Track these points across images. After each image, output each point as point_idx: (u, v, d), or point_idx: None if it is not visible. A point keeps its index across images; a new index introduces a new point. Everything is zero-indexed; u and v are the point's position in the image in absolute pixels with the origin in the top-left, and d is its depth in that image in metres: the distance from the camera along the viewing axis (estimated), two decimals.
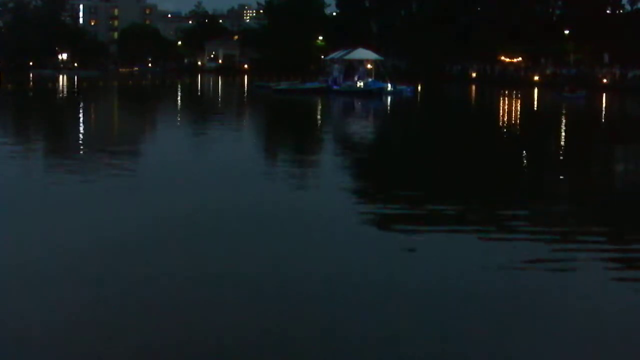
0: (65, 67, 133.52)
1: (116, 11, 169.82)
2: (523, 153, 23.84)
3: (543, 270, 9.64)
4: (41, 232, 11.31)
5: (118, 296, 8.31)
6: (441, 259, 10.09)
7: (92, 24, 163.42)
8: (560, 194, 16.45)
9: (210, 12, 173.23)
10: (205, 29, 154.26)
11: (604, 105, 56.38)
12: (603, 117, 45.02)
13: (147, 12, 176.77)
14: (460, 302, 8.24)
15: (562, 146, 27.28)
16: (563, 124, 37.74)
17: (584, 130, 33.94)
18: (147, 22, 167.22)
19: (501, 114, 44.41)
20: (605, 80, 77.00)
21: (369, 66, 62.99)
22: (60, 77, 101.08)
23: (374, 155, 23.98)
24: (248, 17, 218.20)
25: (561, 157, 23.97)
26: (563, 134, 31.77)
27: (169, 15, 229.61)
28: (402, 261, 10.03)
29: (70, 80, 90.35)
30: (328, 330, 7.43)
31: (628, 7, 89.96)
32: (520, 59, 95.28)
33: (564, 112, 45.59)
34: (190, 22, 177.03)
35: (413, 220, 12.72)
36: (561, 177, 19.06)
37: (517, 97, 61.29)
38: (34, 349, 6.93)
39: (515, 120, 39.27)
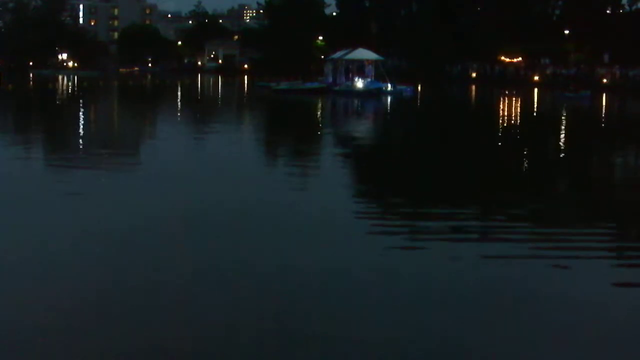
0: (65, 67, 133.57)
1: (116, 11, 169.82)
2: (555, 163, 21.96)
3: None
4: (60, 231, 11.34)
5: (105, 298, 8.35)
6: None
7: (92, 24, 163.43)
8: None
9: (210, 12, 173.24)
10: (205, 29, 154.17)
11: (612, 106, 55.89)
12: (619, 119, 43.80)
13: (147, 12, 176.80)
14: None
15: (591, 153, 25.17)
16: (580, 128, 35.48)
17: (607, 135, 31.85)
18: (147, 22, 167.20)
19: (508, 115, 42.94)
20: (605, 80, 76.98)
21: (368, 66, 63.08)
22: (60, 77, 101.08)
23: (370, 156, 23.98)
24: (248, 17, 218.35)
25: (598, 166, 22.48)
26: (587, 140, 29.54)
27: (169, 15, 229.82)
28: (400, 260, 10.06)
29: (70, 81, 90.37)
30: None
31: (628, 7, 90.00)
32: (520, 59, 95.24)
33: (573, 113, 44.40)
34: (190, 22, 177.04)
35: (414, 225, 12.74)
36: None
37: (519, 98, 61.00)
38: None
39: (527, 124, 36.59)
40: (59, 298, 8.23)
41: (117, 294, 8.45)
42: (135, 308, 7.99)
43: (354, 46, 65.24)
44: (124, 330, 7.35)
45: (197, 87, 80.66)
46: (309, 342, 7.20)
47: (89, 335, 7.25)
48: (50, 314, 7.77)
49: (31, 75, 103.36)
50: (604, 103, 56.67)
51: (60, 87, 75.31)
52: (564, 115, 43.09)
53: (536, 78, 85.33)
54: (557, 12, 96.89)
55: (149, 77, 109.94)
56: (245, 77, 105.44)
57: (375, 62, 63.77)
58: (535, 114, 45.37)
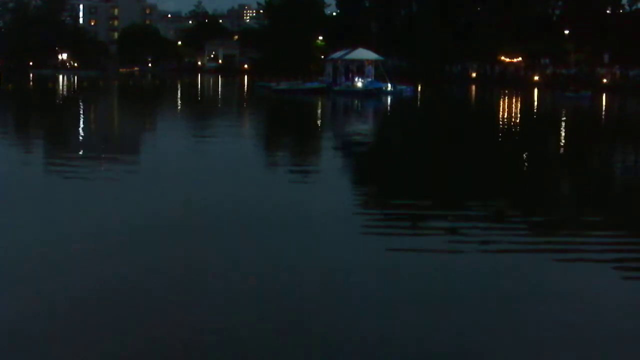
0: (65, 67, 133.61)
1: (116, 11, 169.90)
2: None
3: None
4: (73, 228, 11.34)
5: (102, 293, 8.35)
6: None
7: (92, 24, 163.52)
8: None
9: (210, 12, 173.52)
10: (205, 29, 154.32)
11: (613, 106, 55.66)
12: (623, 119, 43.38)
13: (147, 12, 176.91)
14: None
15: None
16: (585, 128, 35.03)
17: (613, 136, 31.37)
18: (147, 22, 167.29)
19: (510, 116, 42.30)
20: (605, 80, 77.01)
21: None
22: (60, 77, 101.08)
23: (370, 156, 23.96)
24: (248, 17, 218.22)
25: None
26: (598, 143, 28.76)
27: (169, 15, 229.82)
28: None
29: (70, 80, 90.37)
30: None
31: (628, 7, 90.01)
32: (520, 59, 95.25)
33: (576, 114, 44.06)
34: (190, 22, 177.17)
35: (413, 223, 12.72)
36: None
37: (520, 98, 60.93)
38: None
39: (529, 125, 36.05)
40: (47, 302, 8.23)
41: (115, 294, 8.44)
42: (135, 308, 7.98)
43: (354, 46, 65.23)
44: (123, 329, 7.35)
45: (197, 87, 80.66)
46: (310, 342, 7.19)
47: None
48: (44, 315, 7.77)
49: (31, 75, 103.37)
50: (604, 103, 56.58)
51: (60, 87, 75.31)
52: (567, 116, 42.73)
53: (536, 78, 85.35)
54: (557, 12, 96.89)
55: (149, 77, 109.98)
56: (245, 77, 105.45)
57: (375, 62, 63.75)
58: (537, 114, 45.23)
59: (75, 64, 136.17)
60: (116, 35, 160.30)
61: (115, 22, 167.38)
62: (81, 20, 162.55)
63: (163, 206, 13.23)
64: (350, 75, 61.81)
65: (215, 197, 14.23)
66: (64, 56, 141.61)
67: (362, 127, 33.54)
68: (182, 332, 7.29)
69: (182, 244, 10.55)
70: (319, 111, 46.45)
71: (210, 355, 6.87)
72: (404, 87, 59.05)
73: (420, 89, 68.13)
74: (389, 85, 58.40)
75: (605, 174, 20.11)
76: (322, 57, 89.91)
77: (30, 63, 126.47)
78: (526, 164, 21.64)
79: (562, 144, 27.74)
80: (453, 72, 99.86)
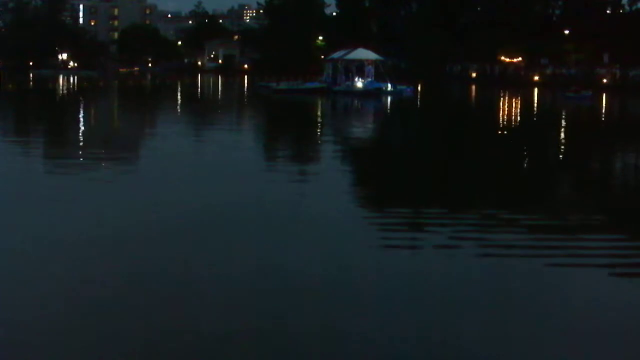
0: (65, 67, 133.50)
1: (116, 11, 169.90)
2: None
3: None
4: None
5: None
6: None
7: (92, 24, 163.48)
8: None
9: (210, 12, 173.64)
10: (205, 29, 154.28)
11: (614, 106, 55.50)
12: (626, 119, 43.32)
13: (147, 12, 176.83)
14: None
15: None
16: (590, 129, 34.69)
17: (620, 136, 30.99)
18: (147, 22, 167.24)
19: (514, 117, 42.03)
20: (605, 80, 76.99)
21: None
22: (60, 77, 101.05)
23: (371, 157, 23.96)
24: (248, 17, 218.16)
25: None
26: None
27: (169, 15, 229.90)
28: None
29: (70, 81, 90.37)
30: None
31: (628, 7, 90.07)
32: (520, 59, 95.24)
33: (579, 114, 44.04)
34: (190, 22, 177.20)
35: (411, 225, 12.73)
36: None
37: (520, 98, 60.74)
38: None
39: (532, 126, 35.84)
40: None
41: (113, 296, 8.45)
42: (134, 307, 7.99)
43: (354, 46, 65.20)
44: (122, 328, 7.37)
45: (197, 87, 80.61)
46: (310, 342, 7.21)
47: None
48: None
49: (31, 75, 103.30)
50: (605, 103, 56.51)
51: (60, 88, 75.27)
52: (571, 116, 42.54)
53: (536, 78, 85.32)
54: (557, 12, 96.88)
55: (149, 77, 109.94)
56: (245, 77, 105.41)
57: (375, 62, 63.69)
58: (539, 115, 45.05)
59: (75, 64, 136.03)
60: (116, 35, 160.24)
61: (115, 22, 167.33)
62: (81, 20, 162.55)
63: (167, 208, 13.24)
64: (350, 75, 61.77)
65: (215, 199, 14.24)
66: (64, 56, 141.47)
67: (362, 127, 33.52)
68: (182, 332, 7.30)
69: (185, 246, 10.58)
70: (319, 111, 46.41)
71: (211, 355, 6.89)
72: (404, 87, 59.03)
73: (420, 89, 68.08)
74: (389, 85, 58.39)
75: (613, 175, 20.10)
76: (322, 57, 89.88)
77: (31, 63, 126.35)
78: (531, 166, 21.62)
79: (570, 146, 27.58)
80: (453, 72, 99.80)
